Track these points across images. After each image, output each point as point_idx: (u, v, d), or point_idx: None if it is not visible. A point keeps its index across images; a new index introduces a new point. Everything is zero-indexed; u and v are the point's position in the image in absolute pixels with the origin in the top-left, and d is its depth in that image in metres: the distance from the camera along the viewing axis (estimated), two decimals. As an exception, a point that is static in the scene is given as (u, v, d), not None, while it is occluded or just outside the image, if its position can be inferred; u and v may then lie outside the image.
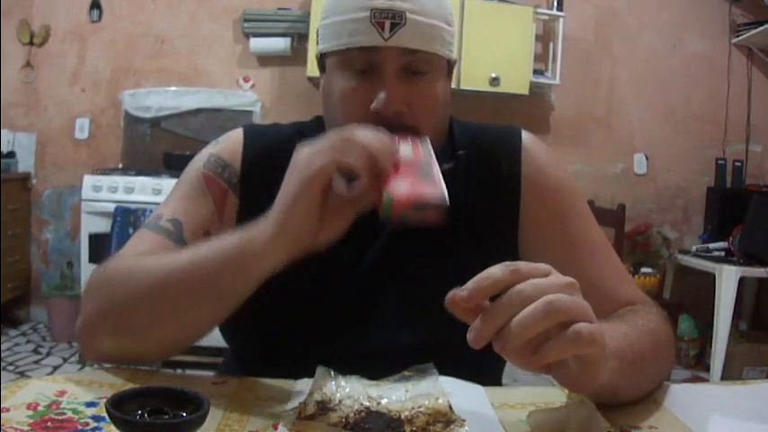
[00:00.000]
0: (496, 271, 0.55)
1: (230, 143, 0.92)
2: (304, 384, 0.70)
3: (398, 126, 0.82)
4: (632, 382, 0.69)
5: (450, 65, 0.89)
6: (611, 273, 0.89)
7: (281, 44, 3.67)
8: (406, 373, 0.70)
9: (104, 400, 0.56)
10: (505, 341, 0.53)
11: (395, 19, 0.80)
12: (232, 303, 0.72)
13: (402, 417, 0.62)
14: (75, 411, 0.63)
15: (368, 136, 0.65)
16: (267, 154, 0.92)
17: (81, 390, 0.68)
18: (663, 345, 0.78)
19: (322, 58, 0.89)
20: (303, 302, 0.85)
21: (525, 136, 0.95)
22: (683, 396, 0.75)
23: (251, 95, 3.78)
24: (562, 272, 0.95)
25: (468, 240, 0.89)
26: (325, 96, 0.88)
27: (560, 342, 0.53)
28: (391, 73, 0.81)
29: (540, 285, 0.54)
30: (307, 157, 0.65)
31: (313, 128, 0.94)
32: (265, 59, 3.79)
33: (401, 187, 0.64)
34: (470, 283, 0.54)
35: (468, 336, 0.54)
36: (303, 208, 0.65)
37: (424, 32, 0.81)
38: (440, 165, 0.92)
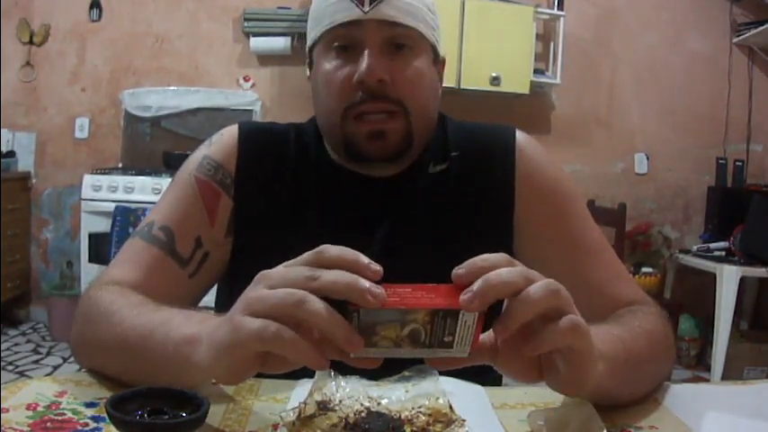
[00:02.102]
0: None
1: (224, 142, 0.92)
2: (304, 384, 0.70)
3: (382, 96, 0.82)
4: (626, 384, 0.68)
5: (435, 52, 0.89)
6: (609, 273, 0.89)
7: (281, 43, 3.67)
8: (406, 373, 0.69)
9: (104, 401, 0.55)
10: (508, 321, 0.53)
11: None
12: (183, 386, 0.60)
13: (402, 417, 0.62)
14: (74, 412, 0.63)
15: (320, 308, 0.52)
16: (262, 152, 0.91)
17: (81, 390, 0.68)
18: (660, 346, 0.77)
19: (310, 55, 0.90)
20: None
21: (519, 135, 0.95)
22: (683, 396, 0.75)
23: (251, 95, 3.78)
24: (560, 272, 0.94)
25: (462, 243, 0.88)
26: (313, 88, 0.89)
27: (555, 330, 0.53)
28: (372, 44, 0.82)
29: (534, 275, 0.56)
30: (240, 321, 0.53)
31: (309, 128, 0.94)
32: (265, 59, 3.79)
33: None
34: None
35: (462, 296, 0.52)
36: (230, 362, 0.55)
37: (404, 8, 0.83)
38: (433, 166, 0.92)
